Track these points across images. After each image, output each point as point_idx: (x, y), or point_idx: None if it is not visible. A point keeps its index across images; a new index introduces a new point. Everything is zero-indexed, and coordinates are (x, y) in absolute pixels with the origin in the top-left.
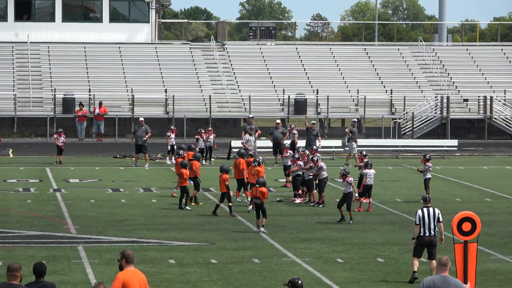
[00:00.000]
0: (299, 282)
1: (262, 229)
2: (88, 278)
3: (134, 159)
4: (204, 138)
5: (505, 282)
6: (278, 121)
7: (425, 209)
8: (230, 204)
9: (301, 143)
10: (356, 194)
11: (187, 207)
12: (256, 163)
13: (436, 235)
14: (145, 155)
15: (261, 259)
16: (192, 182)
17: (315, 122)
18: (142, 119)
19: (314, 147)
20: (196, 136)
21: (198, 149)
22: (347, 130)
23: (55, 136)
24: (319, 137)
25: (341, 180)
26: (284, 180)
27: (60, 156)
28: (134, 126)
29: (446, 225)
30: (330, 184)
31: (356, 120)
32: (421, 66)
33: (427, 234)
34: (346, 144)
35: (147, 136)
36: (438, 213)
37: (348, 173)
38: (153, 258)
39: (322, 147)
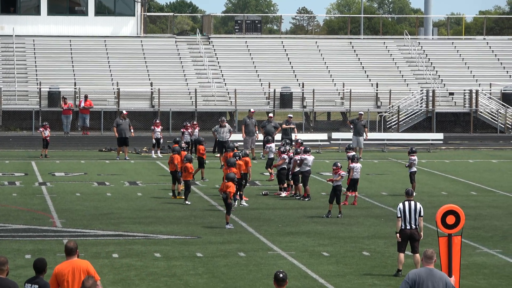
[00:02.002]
0: (280, 275)
1: (227, 226)
2: None
3: (118, 152)
4: (190, 132)
5: (491, 275)
6: (271, 114)
7: (406, 203)
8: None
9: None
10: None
11: (186, 202)
12: (237, 157)
13: (417, 228)
14: (125, 148)
15: (247, 253)
16: (172, 175)
17: (291, 115)
18: (125, 112)
19: (299, 140)
20: (182, 130)
21: (183, 142)
22: (348, 122)
23: (41, 129)
24: (295, 129)
25: (333, 173)
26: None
27: (46, 150)
28: (116, 119)
29: (431, 218)
30: (316, 177)
31: (361, 113)
32: (406, 59)
33: (408, 227)
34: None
35: (132, 131)
36: (420, 207)
37: (341, 166)
38: (138, 252)
39: (309, 141)
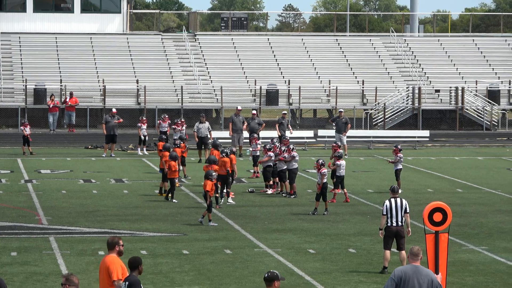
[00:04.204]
0: (265, 275)
1: (210, 223)
2: (60, 269)
3: (105, 149)
4: (180, 129)
5: (476, 272)
6: (254, 111)
7: (392, 200)
8: (217, 195)
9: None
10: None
11: (173, 200)
12: (223, 154)
13: (403, 225)
14: (112, 145)
15: (233, 250)
16: (161, 173)
17: (286, 112)
18: (115, 110)
19: (287, 137)
20: (173, 126)
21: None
22: (330, 120)
23: (22, 128)
24: (289, 126)
25: (316, 171)
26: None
27: (29, 147)
28: (105, 116)
29: (417, 216)
30: (302, 174)
31: (342, 110)
32: (392, 57)
33: (394, 224)
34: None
35: (118, 120)
36: (406, 204)
37: (323, 164)
38: (124, 249)
39: (294, 138)
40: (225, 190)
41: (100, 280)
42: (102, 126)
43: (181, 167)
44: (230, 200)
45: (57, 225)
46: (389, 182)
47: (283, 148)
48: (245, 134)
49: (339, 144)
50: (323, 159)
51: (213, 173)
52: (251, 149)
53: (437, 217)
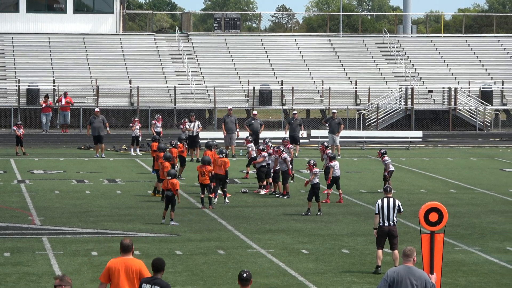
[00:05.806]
0: (244, 275)
1: (172, 222)
2: (53, 269)
3: (96, 150)
4: (188, 128)
5: (469, 273)
6: (255, 112)
7: (385, 199)
8: (211, 195)
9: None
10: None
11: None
12: (223, 154)
13: (396, 225)
14: (101, 146)
15: (226, 250)
16: (155, 173)
17: (296, 112)
18: (98, 109)
19: (287, 138)
20: (180, 126)
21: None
22: (323, 121)
23: (14, 128)
24: (302, 126)
25: (308, 171)
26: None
27: (22, 148)
28: (90, 117)
29: (410, 216)
30: (295, 175)
31: (335, 111)
32: (385, 57)
33: (386, 224)
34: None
35: (107, 128)
36: (399, 204)
37: (315, 164)
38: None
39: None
40: (220, 192)
41: (123, 282)
42: (87, 127)
43: (176, 167)
44: (227, 200)
45: (50, 225)
46: (382, 183)
47: (276, 149)
48: (241, 134)
49: (326, 144)
50: (315, 160)
51: (176, 172)
52: (250, 149)
53: (433, 217)
